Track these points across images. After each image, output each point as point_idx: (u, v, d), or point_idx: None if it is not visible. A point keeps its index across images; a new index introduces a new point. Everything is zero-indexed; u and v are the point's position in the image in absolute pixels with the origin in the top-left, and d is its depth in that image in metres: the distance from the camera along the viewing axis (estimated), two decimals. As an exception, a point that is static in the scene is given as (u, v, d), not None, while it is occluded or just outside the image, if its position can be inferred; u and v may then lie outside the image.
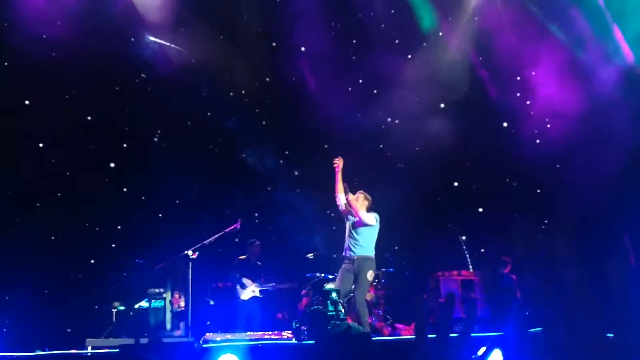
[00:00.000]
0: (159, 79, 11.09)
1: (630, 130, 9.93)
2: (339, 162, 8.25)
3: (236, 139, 11.90)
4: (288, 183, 12.02)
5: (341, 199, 8.30)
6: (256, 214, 12.11)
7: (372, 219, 8.21)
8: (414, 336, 7.44)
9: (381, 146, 12.49)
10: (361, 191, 8.40)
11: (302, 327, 8.31)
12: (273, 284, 10.44)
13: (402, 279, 10.37)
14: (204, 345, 7.40)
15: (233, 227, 9.17)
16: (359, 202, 8.26)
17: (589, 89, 10.51)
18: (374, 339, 7.15)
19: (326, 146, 11.90)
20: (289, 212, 11.56)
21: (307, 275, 10.36)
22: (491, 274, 10.01)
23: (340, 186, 8.26)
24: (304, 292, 10.17)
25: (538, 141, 11.47)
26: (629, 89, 10.29)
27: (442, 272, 10.52)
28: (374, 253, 8.27)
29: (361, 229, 8.20)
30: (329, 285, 10.09)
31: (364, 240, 8.18)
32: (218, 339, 8.84)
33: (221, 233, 8.84)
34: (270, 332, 9.38)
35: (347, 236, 8.28)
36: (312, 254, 10.31)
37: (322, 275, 10.18)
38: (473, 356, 6.06)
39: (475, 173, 12.01)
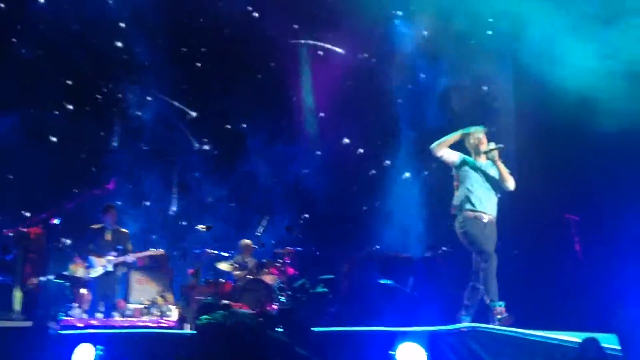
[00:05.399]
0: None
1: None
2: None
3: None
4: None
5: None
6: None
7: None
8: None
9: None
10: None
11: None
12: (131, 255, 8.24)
13: (311, 259, 8.56)
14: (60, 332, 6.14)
15: (106, 187, 8.42)
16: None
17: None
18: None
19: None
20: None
21: (196, 250, 8.67)
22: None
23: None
24: (191, 271, 8.43)
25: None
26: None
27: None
28: None
29: None
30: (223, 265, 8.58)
31: None
32: (78, 324, 7.11)
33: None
34: (145, 317, 7.79)
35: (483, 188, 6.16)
36: (204, 226, 8.44)
37: (215, 252, 8.60)
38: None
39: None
